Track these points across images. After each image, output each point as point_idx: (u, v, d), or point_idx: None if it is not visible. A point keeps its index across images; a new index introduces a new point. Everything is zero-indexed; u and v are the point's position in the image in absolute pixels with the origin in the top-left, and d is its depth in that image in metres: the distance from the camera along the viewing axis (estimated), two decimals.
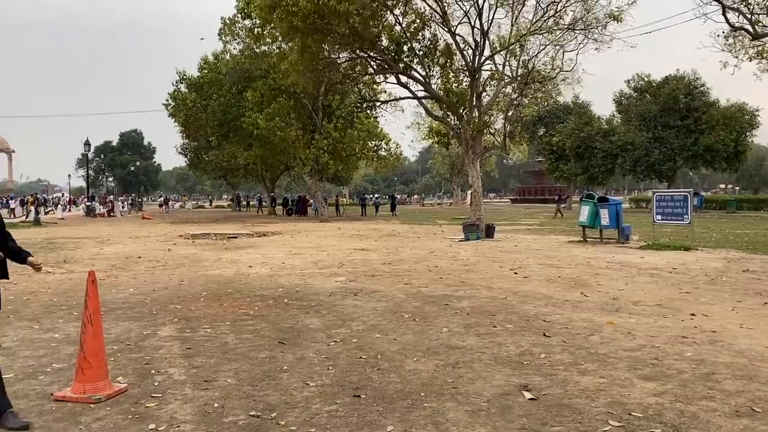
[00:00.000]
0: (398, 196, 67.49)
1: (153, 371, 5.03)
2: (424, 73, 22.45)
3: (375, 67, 23.17)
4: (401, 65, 22.25)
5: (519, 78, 21.51)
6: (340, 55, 23.12)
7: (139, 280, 10.44)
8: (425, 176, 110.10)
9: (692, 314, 7.12)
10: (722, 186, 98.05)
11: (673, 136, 41.47)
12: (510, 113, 22.62)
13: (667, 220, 16.22)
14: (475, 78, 21.12)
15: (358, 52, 22.06)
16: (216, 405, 4.21)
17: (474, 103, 21.19)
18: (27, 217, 35.60)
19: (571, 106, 49.26)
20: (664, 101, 41.95)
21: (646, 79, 45.15)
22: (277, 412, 4.07)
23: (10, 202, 48.68)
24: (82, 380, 4.30)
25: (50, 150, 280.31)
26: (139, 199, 71.85)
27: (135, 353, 5.62)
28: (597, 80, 27.99)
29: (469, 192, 29.04)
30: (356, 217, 40.02)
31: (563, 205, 39.47)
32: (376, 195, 65.32)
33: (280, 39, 25.36)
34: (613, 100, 47.53)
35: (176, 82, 40.70)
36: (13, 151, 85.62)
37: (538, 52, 21.59)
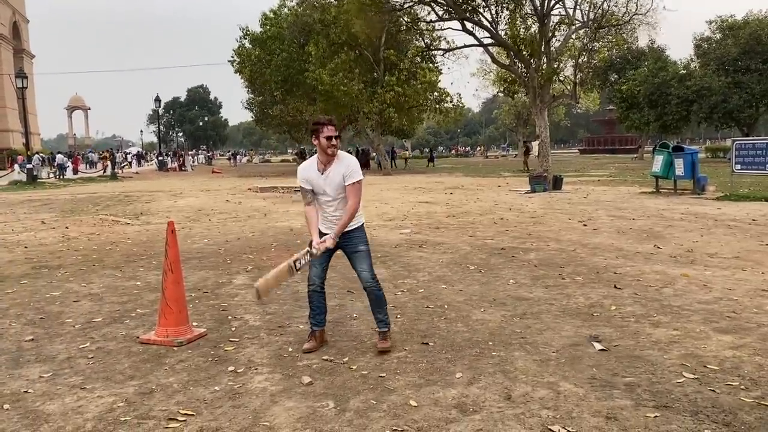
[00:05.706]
0: (440, 150, 71.77)
1: (230, 317, 5.27)
2: (490, 19, 21.74)
3: (439, 13, 22.62)
4: (467, 11, 21.58)
5: (591, 22, 20.55)
6: (404, 4, 22.64)
7: (212, 232, 10.83)
8: (489, 127, 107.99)
9: None
10: None
11: (754, 81, 38.60)
12: (581, 60, 21.72)
13: (748, 169, 15.38)
14: (544, 23, 20.33)
15: None
16: (290, 349, 4.38)
17: (542, 50, 20.45)
18: (104, 172, 37.26)
19: (646, 51, 46.64)
20: (744, 42, 39.00)
21: (729, 19, 42.05)
22: (349, 356, 4.20)
23: (90, 155, 50.92)
24: (165, 324, 4.55)
25: (123, 107, 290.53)
26: (209, 154, 73.90)
27: (212, 300, 5.88)
28: (677, 23, 26.44)
29: (535, 143, 28.29)
30: (419, 170, 39.86)
31: (529, 157, 35.57)
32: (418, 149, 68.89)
33: None
34: (693, 43, 44.66)
35: (240, 38, 41.07)
36: (89, 109, 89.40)
37: None
